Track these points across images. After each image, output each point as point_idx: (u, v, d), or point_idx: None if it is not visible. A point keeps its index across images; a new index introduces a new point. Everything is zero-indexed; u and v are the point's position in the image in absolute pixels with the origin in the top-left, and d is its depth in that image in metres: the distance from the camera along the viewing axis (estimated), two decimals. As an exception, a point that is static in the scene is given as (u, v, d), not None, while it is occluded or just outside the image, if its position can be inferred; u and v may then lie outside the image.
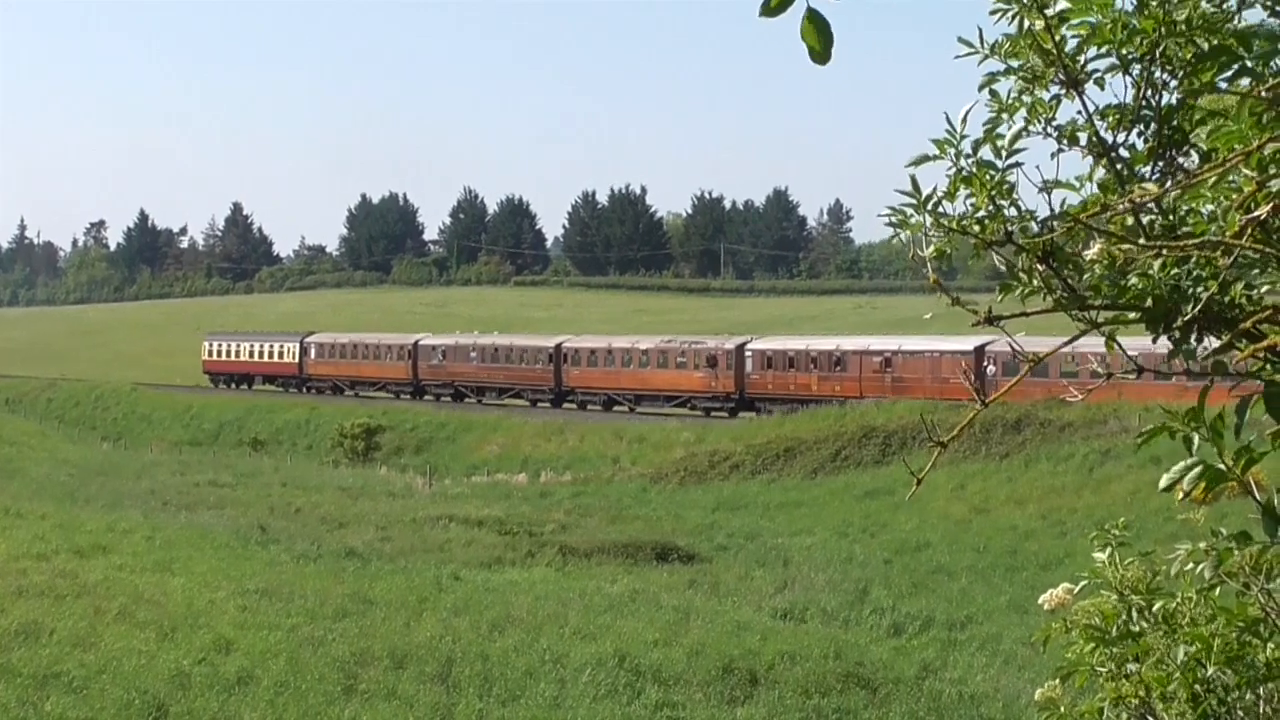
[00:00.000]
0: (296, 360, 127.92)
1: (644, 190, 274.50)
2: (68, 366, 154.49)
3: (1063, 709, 5.51)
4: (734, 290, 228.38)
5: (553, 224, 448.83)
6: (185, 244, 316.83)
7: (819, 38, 3.68)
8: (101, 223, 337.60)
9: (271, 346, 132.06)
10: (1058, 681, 5.47)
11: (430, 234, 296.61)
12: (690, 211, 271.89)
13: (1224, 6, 4.45)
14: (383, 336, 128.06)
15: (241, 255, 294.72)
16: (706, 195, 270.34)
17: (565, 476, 75.83)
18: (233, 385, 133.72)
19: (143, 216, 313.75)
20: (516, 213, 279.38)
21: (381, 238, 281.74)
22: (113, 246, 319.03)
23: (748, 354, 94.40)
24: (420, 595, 36.03)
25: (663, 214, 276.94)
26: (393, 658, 28.99)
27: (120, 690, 25.23)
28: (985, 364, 77.47)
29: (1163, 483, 4.27)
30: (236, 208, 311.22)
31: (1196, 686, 5.12)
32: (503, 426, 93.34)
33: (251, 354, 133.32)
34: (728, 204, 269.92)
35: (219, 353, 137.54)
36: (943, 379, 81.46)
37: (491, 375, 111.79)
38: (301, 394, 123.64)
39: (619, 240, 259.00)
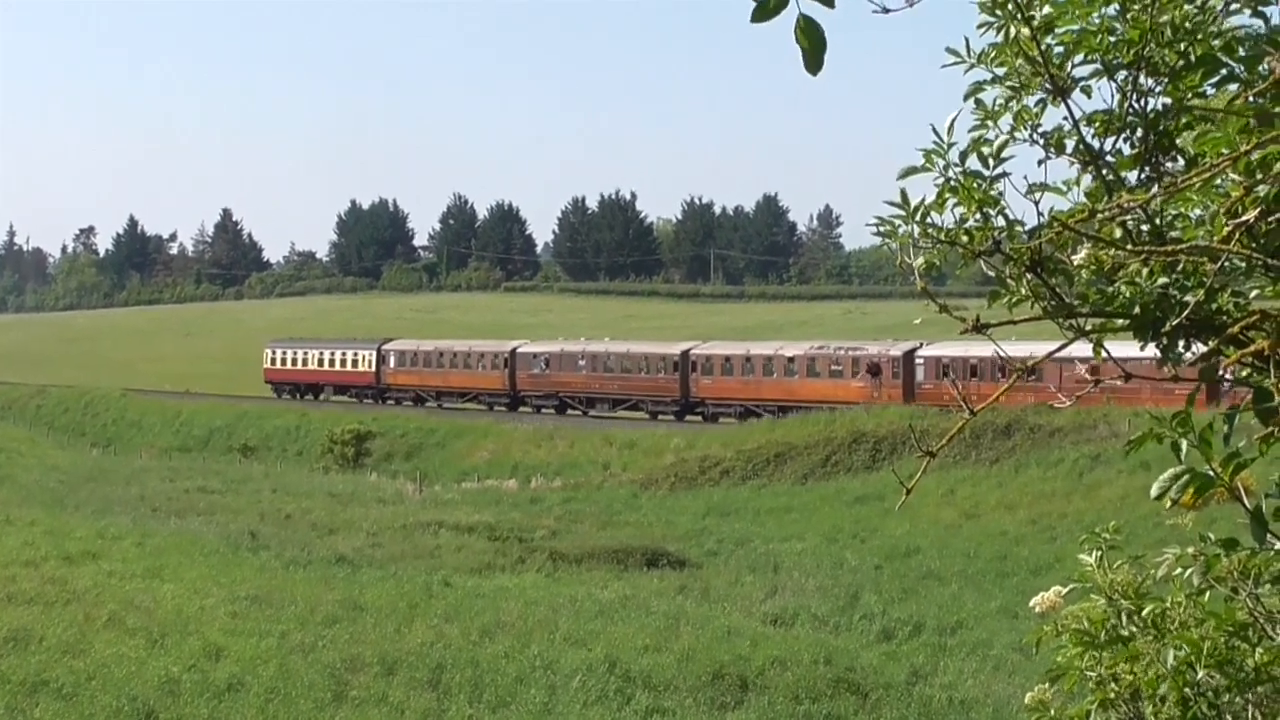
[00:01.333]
0: (373, 369, 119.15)
1: (634, 196, 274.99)
2: (57, 373, 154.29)
3: (1053, 712, 5.52)
4: (724, 296, 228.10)
5: (543, 230, 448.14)
6: (175, 250, 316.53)
7: (811, 43, 3.69)
8: (91, 229, 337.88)
9: (344, 354, 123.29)
10: (1048, 685, 5.48)
11: (420, 240, 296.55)
12: (680, 217, 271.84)
13: (1206, 8, 4.46)
14: (474, 343, 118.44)
15: (231, 261, 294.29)
16: (696, 201, 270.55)
17: (556, 482, 75.83)
18: (298, 396, 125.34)
19: (132, 223, 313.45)
20: (506, 218, 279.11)
21: (371, 244, 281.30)
22: (102, 253, 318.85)
23: (918, 361, 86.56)
24: (411, 601, 36.02)
25: (653, 219, 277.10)
26: (383, 664, 29.01)
27: (110, 697, 25.23)
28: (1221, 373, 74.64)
29: (1154, 491, 4.29)
30: (226, 214, 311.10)
31: (1187, 690, 5.13)
32: (493, 433, 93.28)
33: (321, 362, 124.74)
34: (718, 209, 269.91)
35: (283, 360, 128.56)
36: (1165, 389, 75.42)
37: (604, 386, 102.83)
38: (379, 406, 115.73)
39: (609, 246, 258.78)
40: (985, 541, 52.45)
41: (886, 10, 4.00)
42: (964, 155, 4.66)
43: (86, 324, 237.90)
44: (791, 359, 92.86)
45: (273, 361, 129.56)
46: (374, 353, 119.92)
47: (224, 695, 26.15)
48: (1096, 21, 4.53)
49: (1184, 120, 4.51)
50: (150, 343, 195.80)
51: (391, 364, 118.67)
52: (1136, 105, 4.62)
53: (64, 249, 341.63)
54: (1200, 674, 5.12)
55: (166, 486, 68.39)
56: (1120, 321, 4.51)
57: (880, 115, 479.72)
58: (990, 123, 4.70)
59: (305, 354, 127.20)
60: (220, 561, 41.38)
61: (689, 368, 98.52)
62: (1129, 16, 4.50)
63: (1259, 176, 4.08)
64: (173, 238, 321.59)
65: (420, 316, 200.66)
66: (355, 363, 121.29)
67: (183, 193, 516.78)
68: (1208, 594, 5.15)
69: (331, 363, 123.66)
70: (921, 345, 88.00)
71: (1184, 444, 4.32)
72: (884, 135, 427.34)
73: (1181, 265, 4.38)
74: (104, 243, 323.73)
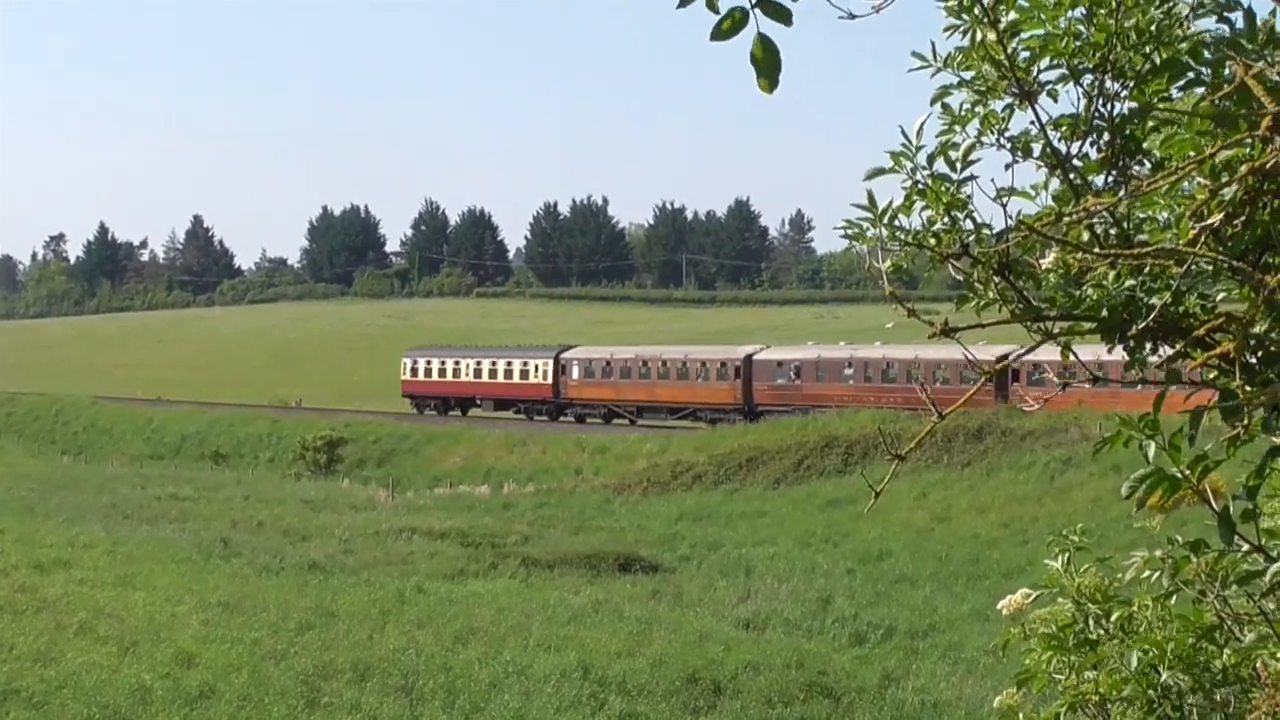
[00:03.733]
0: (549, 381, 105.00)
1: (606, 201, 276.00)
2: (27, 380, 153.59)
3: (1021, 716, 5.53)
4: (696, 300, 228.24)
5: (515, 235, 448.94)
6: (145, 257, 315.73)
7: (767, 62, 3.70)
8: (61, 236, 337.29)
9: (510, 364, 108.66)
10: (1016, 689, 5.49)
11: (392, 246, 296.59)
12: (652, 222, 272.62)
13: (1172, 13, 4.48)
14: (692, 349, 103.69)
15: (202, 268, 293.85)
16: (668, 206, 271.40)
17: (528, 488, 75.70)
18: (444, 412, 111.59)
19: (102, 229, 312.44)
20: (478, 224, 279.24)
21: (343, 250, 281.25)
22: (72, 260, 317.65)
23: None
24: (383, 608, 35.99)
25: (625, 225, 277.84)
26: (356, 670, 28.95)
27: (81, 705, 25.16)
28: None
29: (1124, 490, 4.30)
30: (197, 220, 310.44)
31: (1151, 691, 5.15)
32: (465, 438, 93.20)
33: (478, 373, 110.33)
34: (689, 214, 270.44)
35: (427, 372, 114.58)
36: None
37: (882, 399, 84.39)
38: (555, 424, 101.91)
39: (581, 251, 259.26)
40: (957, 545, 52.54)
41: (853, 16, 4.01)
42: (931, 158, 4.68)
43: (57, 331, 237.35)
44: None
45: (413, 372, 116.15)
46: (550, 362, 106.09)
47: (196, 703, 26.09)
48: (1063, 25, 4.55)
49: (1150, 124, 4.53)
50: (121, 350, 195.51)
51: (575, 374, 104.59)
52: (1103, 109, 4.63)
53: (34, 256, 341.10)
54: (1164, 676, 5.14)
55: (138, 494, 68.16)
56: (1088, 325, 4.53)
57: (852, 119, 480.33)
58: (957, 127, 4.72)
59: (457, 364, 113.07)
60: (192, 569, 41.28)
61: (1010, 375, 79.96)
62: (1095, 21, 4.52)
63: (1224, 179, 4.10)
64: (144, 244, 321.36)
65: (393, 322, 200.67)
66: (525, 374, 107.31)
67: (154, 199, 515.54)
68: (1174, 597, 5.17)
69: (493, 374, 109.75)
70: None
71: (1151, 446, 4.34)
72: (856, 139, 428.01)
73: (1148, 268, 4.40)
74: (75, 250, 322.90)
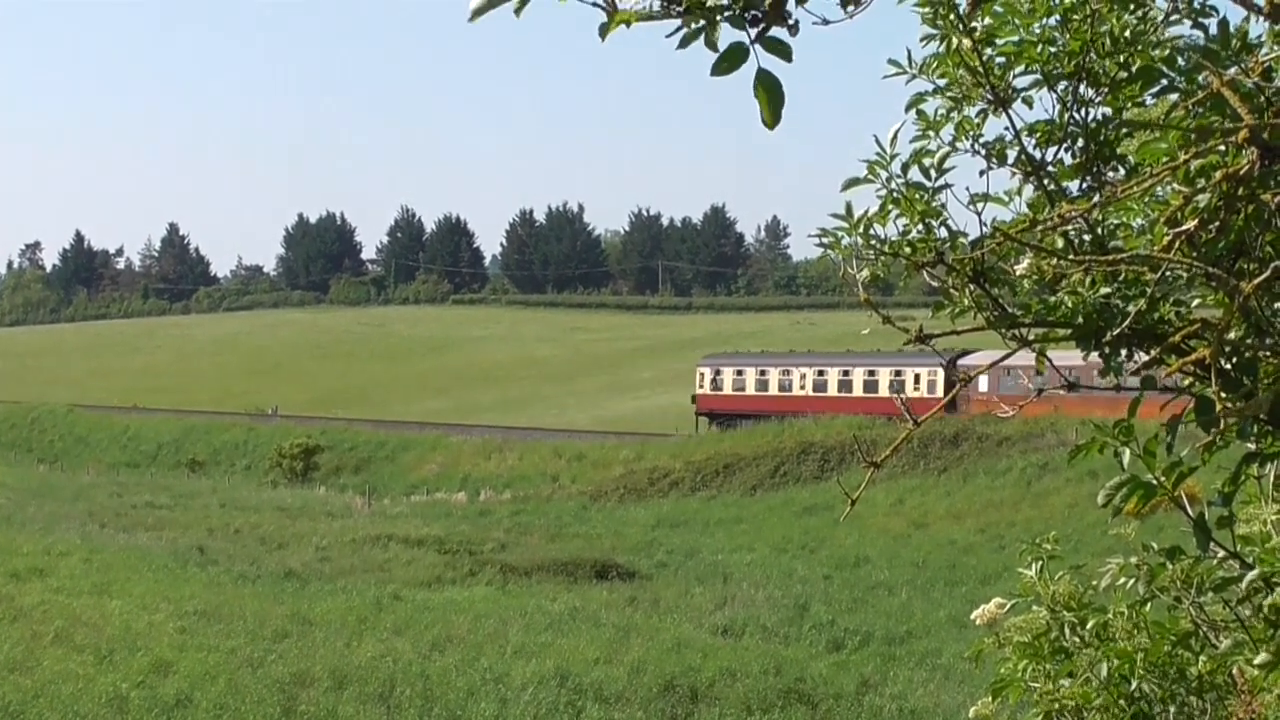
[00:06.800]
0: (940, 395, 74.04)
1: (581, 208, 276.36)
2: (3, 389, 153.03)
3: (997, 725, 5.52)
4: (672, 307, 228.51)
5: (490, 242, 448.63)
6: (122, 265, 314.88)
7: (770, 97, 3.67)
8: (37, 244, 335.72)
9: (871, 374, 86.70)
10: (991, 698, 5.47)
11: (368, 253, 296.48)
12: (628, 229, 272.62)
13: (1147, 18, 4.49)
14: None
15: (179, 276, 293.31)
16: (644, 212, 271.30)
17: (505, 495, 75.79)
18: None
19: (79, 238, 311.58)
20: (454, 231, 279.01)
21: (319, 257, 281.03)
22: (48, 268, 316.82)
23: None
24: (360, 615, 35.92)
25: (600, 232, 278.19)
26: (333, 678, 28.89)
27: (57, 715, 25.07)
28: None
29: (1100, 498, 4.30)
30: (173, 228, 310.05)
31: (1122, 702, 5.14)
32: (441, 446, 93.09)
33: (818, 385, 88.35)
34: (665, 221, 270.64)
35: (736, 384, 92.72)
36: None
37: None
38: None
39: (557, 258, 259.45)
40: (934, 551, 52.61)
41: (826, 21, 4.00)
42: (906, 167, 4.67)
43: (33, 340, 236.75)
44: None
45: (714, 385, 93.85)
46: (939, 371, 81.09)
47: (173, 711, 26.00)
48: (1037, 32, 4.55)
49: (1125, 130, 4.53)
50: (97, 358, 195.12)
51: (982, 386, 74.94)
52: (1077, 115, 4.64)
53: (10, 264, 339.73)
54: (1134, 685, 5.13)
55: (114, 502, 68.01)
56: (1063, 331, 4.53)
57: (828, 126, 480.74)
58: (932, 133, 4.72)
59: (785, 373, 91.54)
60: (169, 577, 41.18)
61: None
62: (1069, 27, 4.53)
63: (1199, 185, 4.10)
64: (119, 252, 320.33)
65: (369, 330, 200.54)
66: (898, 386, 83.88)
67: (130, 207, 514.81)
68: (1150, 604, 5.16)
69: (843, 385, 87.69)
70: None
71: (1126, 453, 4.34)
72: (832, 146, 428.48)
73: (1123, 275, 4.40)
74: (51, 258, 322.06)
